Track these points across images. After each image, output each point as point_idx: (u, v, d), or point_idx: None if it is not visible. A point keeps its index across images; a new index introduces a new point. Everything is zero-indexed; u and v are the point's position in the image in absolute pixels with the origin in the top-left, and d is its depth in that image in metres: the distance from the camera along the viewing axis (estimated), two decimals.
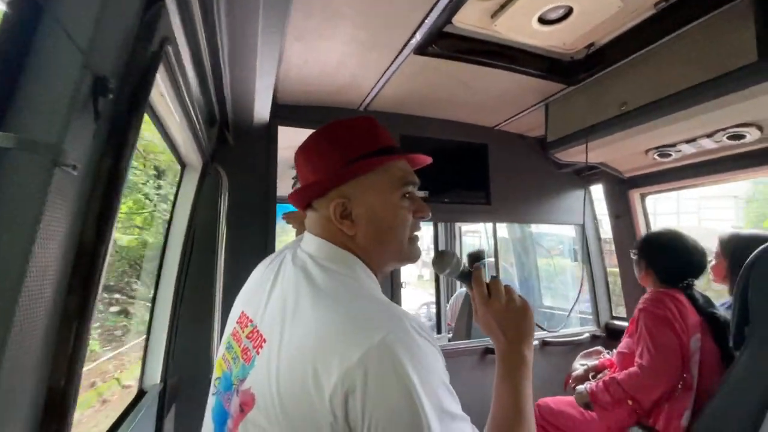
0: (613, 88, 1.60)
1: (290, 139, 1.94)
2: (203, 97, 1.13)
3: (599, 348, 1.85)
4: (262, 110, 1.48)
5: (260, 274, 0.76)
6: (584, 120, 1.73)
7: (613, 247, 2.39)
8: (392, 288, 1.90)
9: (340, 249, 0.66)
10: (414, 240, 0.71)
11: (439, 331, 2.12)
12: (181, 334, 1.37)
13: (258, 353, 0.58)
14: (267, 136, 1.77)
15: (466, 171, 2.16)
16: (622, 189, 2.25)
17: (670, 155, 1.80)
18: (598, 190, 2.50)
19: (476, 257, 2.66)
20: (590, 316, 2.49)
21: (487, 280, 0.72)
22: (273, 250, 1.78)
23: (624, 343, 1.61)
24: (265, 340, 0.59)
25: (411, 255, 0.70)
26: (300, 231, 1.37)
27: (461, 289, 2.73)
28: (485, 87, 1.78)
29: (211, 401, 0.68)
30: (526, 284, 3.06)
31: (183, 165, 1.31)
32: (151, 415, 1.17)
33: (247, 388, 0.57)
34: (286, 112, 1.76)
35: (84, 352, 0.54)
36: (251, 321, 0.65)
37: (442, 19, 1.26)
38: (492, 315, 0.67)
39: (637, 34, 1.40)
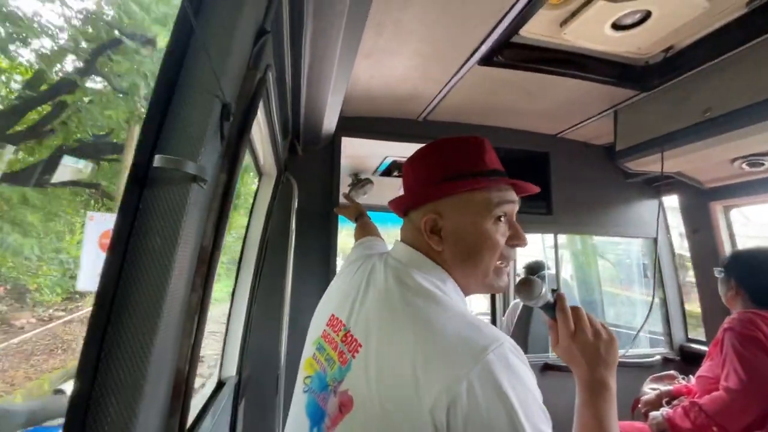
0: (694, 93, 1.49)
1: (351, 148, 2.03)
2: (281, 112, 1.23)
3: (673, 372, 1.71)
4: (329, 123, 1.57)
5: (349, 278, 0.79)
6: (660, 127, 1.62)
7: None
8: None
9: (429, 260, 0.68)
10: (500, 271, 0.69)
11: None
12: (253, 331, 1.48)
13: (354, 357, 0.61)
14: (332, 146, 1.87)
15: (527, 180, 2.10)
16: (702, 201, 2.07)
17: (762, 164, 1.64)
18: (669, 202, 2.32)
19: (534, 269, 2.57)
20: (661, 337, 2.30)
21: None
22: (335, 254, 1.87)
23: (706, 366, 1.48)
24: (360, 345, 0.62)
25: (494, 285, 0.70)
26: (353, 220, 1.44)
27: (516, 300, 2.65)
28: (549, 95, 1.74)
29: (302, 398, 0.71)
30: (588, 299, 2.90)
31: (260, 174, 1.43)
32: (228, 405, 1.28)
33: (345, 390, 0.60)
34: (349, 123, 1.85)
35: (201, 342, 0.63)
36: (344, 324, 0.68)
37: (509, 30, 1.26)
38: (577, 347, 0.65)
39: (724, 35, 1.30)
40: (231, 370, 1.37)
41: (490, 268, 0.67)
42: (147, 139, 0.48)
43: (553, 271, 2.34)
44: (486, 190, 0.67)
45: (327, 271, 1.80)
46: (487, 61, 1.43)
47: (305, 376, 0.73)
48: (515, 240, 0.69)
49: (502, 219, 0.67)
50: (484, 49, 1.34)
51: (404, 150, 2.12)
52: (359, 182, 2.66)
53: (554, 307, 0.69)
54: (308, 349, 0.76)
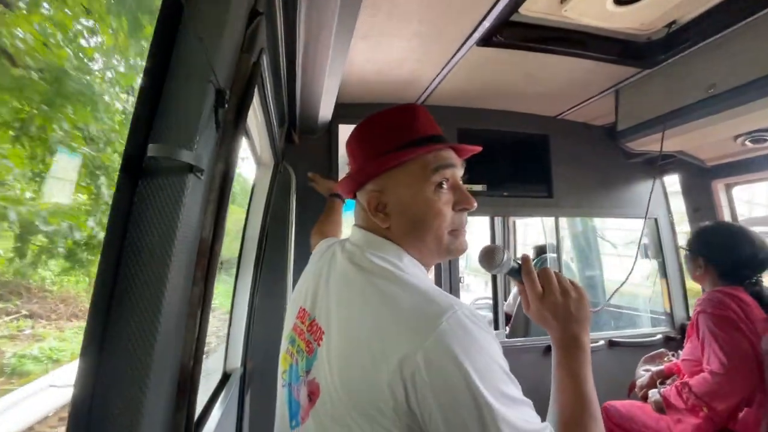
0: (698, 69, 1.46)
1: (348, 135, 1.99)
2: (277, 99, 1.20)
3: (663, 350, 1.72)
4: (326, 111, 1.53)
5: (313, 269, 0.78)
6: (662, 105, 1.60)
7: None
8: (450, 282, 1.90)
9: (383, 239, 0.67)
10: (456, 233, 0.67)
11: (496, 327, 2.08)
12: (256, 322, 1.48)
13: (319, 345, 0.61)
14: (328, 134, 1.84)
15: (526, 163, 2.09)
16: (704, 179, 2.06)
17: (766, 140, 1.62)
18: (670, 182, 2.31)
19: (537, 253, 2.56)
20: (663, 317, 2.32)
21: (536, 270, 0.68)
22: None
23: (687, 349, 1.49)
24: (323, 332, 0.61)
25: (451, 249, 0.67)
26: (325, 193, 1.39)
27: None
28: (549, 76, 1.70)
29: (282, 393, 0.71)
30: (589, 280, 2.91)
31: (258, 164, 1.41)
32: (235, 397, 1.28)
33: (312, 379, 0.60)
34: (345, 110, 1.81)
35: (205, 337, 0.61)
36: (308, 314, 0.68)
37: (508, 8, 1.22)
38: (547, 308, 0.64)
39: (728, 8, 1.27)
40: (236, 361, 1.37)
41: (442, 236, 0.65)
42: (139, 128, 0.46)
43: (554, 254, 2.34)
44: (421, 157, 0.64)
45: None
46: (486, 41, 1.39)
47: (282, 371, 0.73)
48: (461, 204, 0.66)
49: (444, 185, 0.65)
50: (482, 28, 1.30)
51: None
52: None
53: (521, 271, 0.68)
54: (283, 344, 0.76)
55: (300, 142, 1.78)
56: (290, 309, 0.78)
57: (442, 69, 1.59)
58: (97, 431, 0.42)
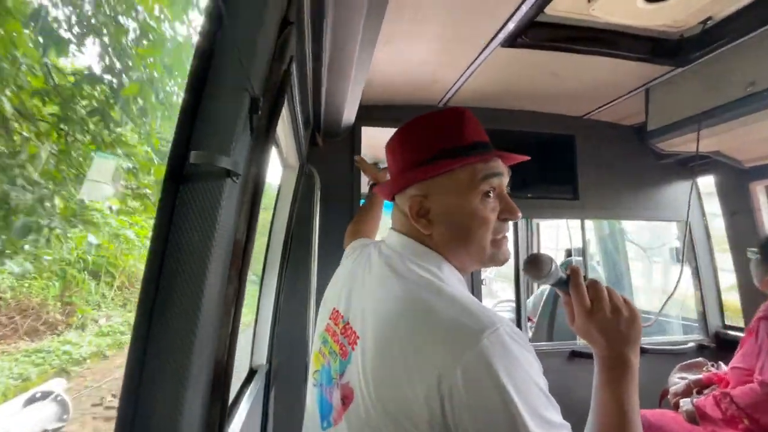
0: (736, 66, 1.40)
1: (371, 137, 2.02)
2: (303, 104, 1.23)
3: (701, 360, 1.65)
4: (349, 114, 1.56)
5: (347, 270, 0.78)
6: (696, 104, 1.54)
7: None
8: (472, 284, 1.89)
9: (422, 246, 0.66)
10: (499, 243, 0.66)
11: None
12: (281, 320, 1.51)
13: (353, 349, 0.61)
14: (352, 136, 1.87)
15: (551, 164, 2.05)
16: (742, 181, 1.96)
17: None
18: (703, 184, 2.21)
19: (566, 254, 2.50)
20: (695, 324, 2.23)
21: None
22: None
23: (739, 357, 1.42)
24: (358, 337, 0.61)
25: (494, 258, 0.66)
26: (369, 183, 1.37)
27: (543, 287, 2.60)
28: (575, 75, 1.67)
29: (313, 392, 0.72)
30: (617, 285, 2.82)
31: (283, 166, 1.45)
32: (260, 392, 1.32)
33: (346, 383, 0.60)
34: (368, 112, 1.83)
35: (237, 334, 0.64)
36: (342, 317, 0.68)
37: (534, 9, 1.21)
38: (595, 325, 0.60)
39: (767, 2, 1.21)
40: (262, 358, 1.41)
41: (485, 246, 0.64)
42: (182, 135, 0.49)
43: (580, 257, 2.28)
44: (469, 165, 0.63)
45: None
46: (510, 42, 1.38)
47: (314, 370, 0.73)
48: (506, 214, 0.65)
49: (491, 194, 0.64)
50: (507, 30, 1.29)
51: None
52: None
53: (568, 283, 0.64)
54: (316, 343, 0.77)
55: (323, 145, 1.81)
56: (323, 309, 0.79)
57: (465, 71, 1.59)
58: (141, 423, 0.45)
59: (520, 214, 0.66)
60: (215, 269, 0.53)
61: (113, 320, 7.90)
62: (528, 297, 2.83)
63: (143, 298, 0.48)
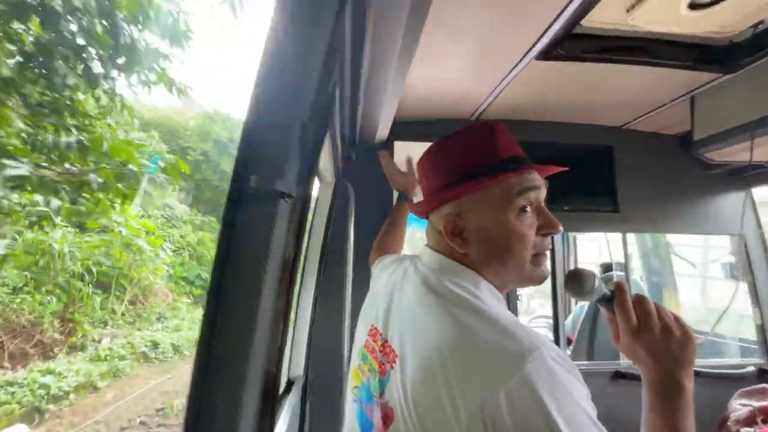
0: None
1: (403, 150, 2.04)
2: (341, 123, 1.27)
3: (766, 386, 1.52)
4: (383, 130, 1.60)
5: (383, 286, 0.78)
6: (749, 112, 1.46)
7: None
8: (508, 300, 1.85)
9: (459, 265, 0.65)
10: (538, 260, 0.64)
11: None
12: (316, 333, 1.54)
13: (392, 368, 0.61)
14: (385, 149, 1.90)
15: (589, 176, 1.99)
16: None
17: None
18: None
19: (607, 269, 2.40)
20: (755, 346, 2.06)
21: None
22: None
23: None
24: (397, 355, 0.61)
25: (533, 277, 0.64)
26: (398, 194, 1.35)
27: (582, 303, 2.50)
28: (614, 85, 1.63)
29: (352, 408, 0.72)
30: (661, 302, 2.66)
31: (320, 182, 1.50)
32: (298, 404, 1.34)
33: (386, 402, 0.60)
34: (400, 128, 1.86)
35: (285, 347, 0.67)
36: (381, 334, 0.68)
37: (570, 21, 1.20)
38: (642, 345, 0.56)
39: None
40: (299, 369, 1.44)
41: (524, 263, 0.62)
42: (242, 160, 0.53)
43: (621, 272, 2.18)
44: (503, 180, 0.62)
45: None
46: (545, 55, 1.37)
47: (353, 386, 0.73)
48: (546, 228, 0.63)
49: (528, 208, 0.62)
50: (542, 43, 1.29)
51: None
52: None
53: (612, 299, 0.61)
54: (354, 359, 0.77)
55: (357, 160, 1.86)
56: (361, 324, 0.80)
57: (499, 84, 1.59)
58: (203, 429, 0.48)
59: (561, 228, 0.64)
60: (268, 284, 0.56)
61: (117, 341, 7.26)
62: (567, 314, 2.73)
63: (207, 308, 0.51)
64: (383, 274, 0.85)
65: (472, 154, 0.65)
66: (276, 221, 0.55)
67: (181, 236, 12.14)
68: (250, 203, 0.53)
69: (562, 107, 1.85)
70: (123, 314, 8.59)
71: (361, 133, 1.61)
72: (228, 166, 15.08)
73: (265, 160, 0.55)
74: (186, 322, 9.31)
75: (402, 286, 0.71)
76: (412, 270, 0.71)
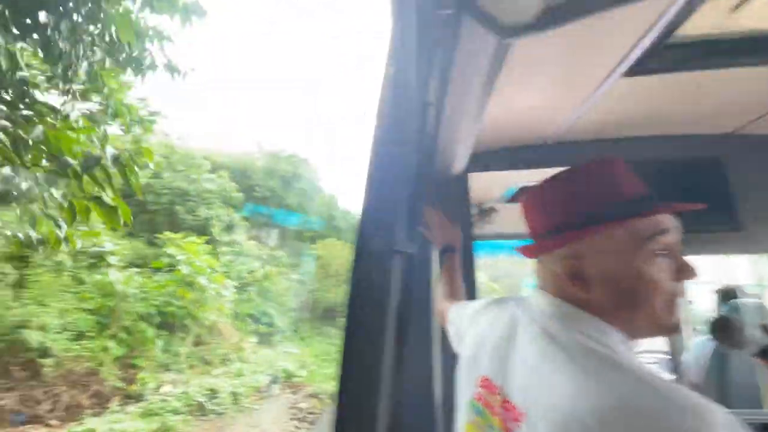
0: None
1: (474, 180, 2.03)
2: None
3: None
4: (460, 164, 1.60)
5: (486, 333, 0.74)
6: None
7: None
8: None
9: (583, 312, 0.60)
10: (671, 307, 0.57)
11: None
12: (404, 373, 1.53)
13: (519, 427, 0.57)
14: (458, 184, 1.91)
15: (697, 191, 1.76)
16: None
17: None
18: None
19: (726, 296, 2.06)
20: None
21: None
22: (475, 288, 1.85)
23: None
24: (522, 414, 0.57)
25: (667, 326, 0.58)
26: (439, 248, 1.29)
27: (707, 337, 2.14)
28: (717, 91, 1.46)
29: None
30: None
31: None
32: None
33: None
34: (475, 159, 1.85)
35: (401, 396, 0.68)
36: (498, 388, 0.64)
37: (663, 34, 1.13)
38: None
39: None
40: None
41: (655, 311, 0.56)
42: (362, 220, 0.57)
43: (755, 299, 1.85)
44: (631, 224, 0.57)
45: None
46: (634, 71, 1.29)
47: None
48: (681, 274, 0.57)
49: (659, 253, 0.56)
50: (630, 59, 1.21)
51: (532, 175, 2.02)
52: (482, 212, 2.61)
53: None
54: (466, 413, 0.73)
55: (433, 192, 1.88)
56: (466, 374, 0.76)
57: (581, 105, 1.52)
58: None
59: (696, 273, 0.58)
60: (387, 335, 0.59)
61: (177, 389, 6.89)
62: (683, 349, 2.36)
63: (341, 355, 0.55)
64: (480, 319, 0.81)
65: (593, 195, 0.61)
66: (392, 276, 0.58)
67: (249, 272, 12.22)
68: (369, 260, 0.57)
69: (656, 120, 1.70)
70: (188, 356, 8.23)
71: (439, 168, 1.64)
72: (294, 200, 15.82)
73: (380, 218, 0.59)
74: (249, 365, 8.93)
75: (515, 335, 0.67)
76: (526, 317, 0.68)
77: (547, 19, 0.67)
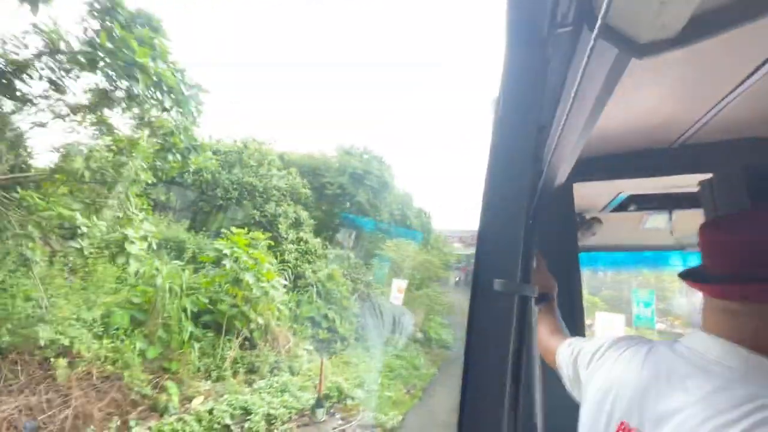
0: None
1: (577, 188, 1.88)
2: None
3: None
4: (563, 174, 1.50)
5: (619, 376, 0.68)
6: None
7: None
8: None
9: None
10: None
11: None
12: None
13: None
14: (563, 193, 1.78)
15: None
16: None
17: None
18: None
19: None
20: None
21: None
22: (580, 300, 1.71)
23: None
24: None
25: None
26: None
27: None
28: None
29: None
30: None
31: None
32: None
33: None
34: (580, 167, 1.71)
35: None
36: None
37: None
38: None
39: None
40: None
41: None
42: (481, 265, 0.58)
43: None
44: None
45: (574, 327, 1.64)
46: None
47: None
48: None
49: None
50: None
51: (642, 183, 1.81)
52: (585, 223, 2.39)
53: None
54: None
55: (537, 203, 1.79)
56: (595, 410, 0.71)
57: (715, 106, 1.31)
58: None
59: None
60: (510, 373, 0.59)
61: (217, 402, 5.78)
62: None
63: (461, 388, 0.57)
64: (606, 360, 0.75)
65: None
66: (513, 317, 0.57)
67: (313, 271, 11.54)
68: (490, 301, 0.57)
69: None
70: (235, 362, 7.06)
71: (545, 182, 1.56)
72: (364, 197, 15.26)
73: (498, 261, 0.59)
74: (299, 378, 7.49)
75: (666, 383, 0.60)
76: (689, 366, 0.60)
77: (690, 33, 0.60)
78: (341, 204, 15.07)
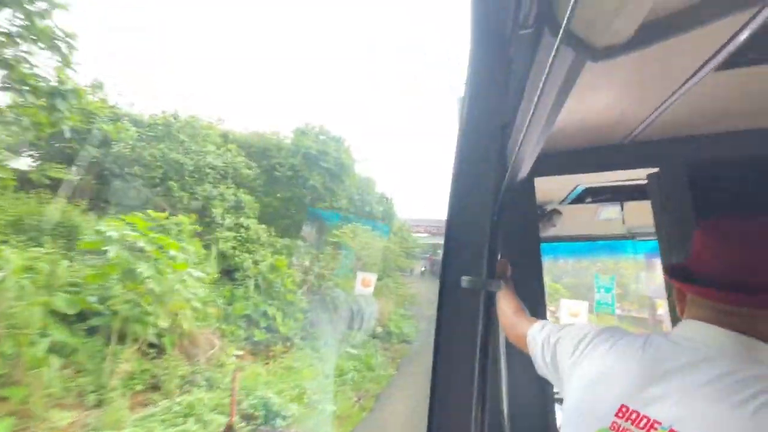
0: None
1: (542, 188, 1.97)
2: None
3: None
4: (526, 168, 1.55)
5: (619, 362, 0.68)
6: None
7: None
8: None
9: None
10: None
11: None
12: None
13: None
14: (526, 187, 1.85)
15: None
16: None
17: None
18: None
19: None
20: None
21: None
22: (542, 288, 1.80)
23: None
24: None
25: None
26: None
27: None
28: None
29: None
30: None
31: None
32: None
33: None
34: (540, 163, 1.78)
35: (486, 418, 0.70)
36: (653, 422, 0.60)
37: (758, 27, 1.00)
38: None
39: None
40: None
41: None
42: (448, 262, 0.59)
43: None
44: None
45: (537, 312, 1.72)
46: (728, 65, 1.16)
47: None
48: None
49: None
50: (725, 53, 1.10)
51: (596, 177, 1.94)
52: (546, 215, 2.49)
53: None
54: None
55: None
56: (592, 395, 0.70)
57: (662, 104, 1.40)
58: None
59: None
60: (477, 363, 0.60)
61: None
62: None
63: (431, 381, 0.58)
64: (595, 351, 0.73)
65: None
66: (480, 312, 0.59)
67: (254, 262, 9.80)
68: (458, 296, 0.59)
69: (757, 112, 1.51)
70: (133, 377, 5.16)
71: (509, 179, 1.61)
72: (319, 180, 13.26)
73: (463, 257, 0.60)
74: (217, 395, 5.58)
75: (669, 368, 0.61)
76: (691, 353, 0.61)
77: (640, 38, 0.64)
78: (293, 188, 13.24)
